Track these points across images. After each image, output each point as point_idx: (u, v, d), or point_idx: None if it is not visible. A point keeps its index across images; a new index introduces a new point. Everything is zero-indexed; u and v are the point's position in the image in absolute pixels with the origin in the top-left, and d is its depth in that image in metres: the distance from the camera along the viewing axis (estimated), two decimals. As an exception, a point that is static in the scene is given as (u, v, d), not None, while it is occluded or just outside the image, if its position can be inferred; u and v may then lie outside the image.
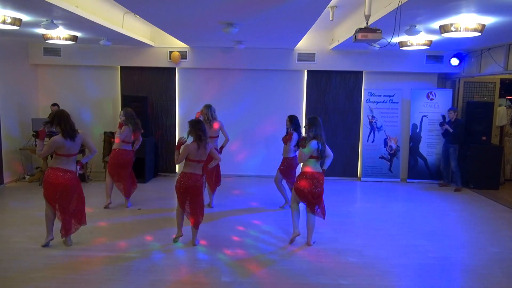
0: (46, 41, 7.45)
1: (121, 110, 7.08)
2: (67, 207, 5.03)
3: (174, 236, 5.38)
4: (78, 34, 7.41)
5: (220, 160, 5.75)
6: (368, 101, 9.45)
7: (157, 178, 9.40)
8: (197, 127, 5.13)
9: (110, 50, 8.99)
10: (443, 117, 8.85)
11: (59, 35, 7.20)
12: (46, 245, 5.10)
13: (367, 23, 4.98)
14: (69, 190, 5.00)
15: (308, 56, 9.21)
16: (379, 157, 9.49)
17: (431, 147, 9.38)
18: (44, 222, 5.12)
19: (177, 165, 9.69)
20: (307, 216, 5.32)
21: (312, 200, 5.21)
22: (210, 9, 5.34)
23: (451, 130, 8.61)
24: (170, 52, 9.13)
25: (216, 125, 6.75)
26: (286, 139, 6.67)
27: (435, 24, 5.86)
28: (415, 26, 5.95)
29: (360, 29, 4.89)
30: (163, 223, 6.15)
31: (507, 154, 9.64)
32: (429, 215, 6.92)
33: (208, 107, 6.74)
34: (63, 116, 4.96)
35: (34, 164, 9.15)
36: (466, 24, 5.54)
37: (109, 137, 8.89)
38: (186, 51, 9.22)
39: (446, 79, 9.76)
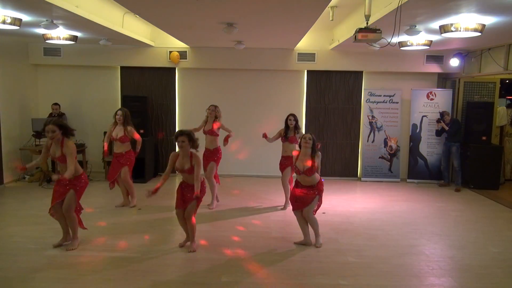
0: (46, 41, 7.45)
1: (119, 109, 6.85)
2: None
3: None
4: (78, 34, 7.42)
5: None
6: (368, 101, 9.44)
7: (157, 178, 9.39)
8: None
9: (110, 50, 8.99)
10: (441, 114, 8.86)
11: (59, 35, 7.21)
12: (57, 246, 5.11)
13: (367, 23, 4.99)
14: None
15: (308, 56, 9.21)
16: (379, 157, 9.50)
17: (431, 147, 9.38)
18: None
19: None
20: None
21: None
22: (210, 9, 5.34)
23: (446, 128, 8.66)
24: (170, 52, 9.14)
25: (215, 126, 6.90)
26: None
27: (435, 24, 5.86)
28: (415, 26, 5.95)
29: (360, 29, 4.89)
30: (163, 223, 6.16)
31: (507, 154, 9.65)
32: (429, 215, 6.91)
33: (216, 106, 7.01)
34: None
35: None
36: (466, 24, 5.54)
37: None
38: (186, 51, 9.22)
39: (446, 79, 9.76)
